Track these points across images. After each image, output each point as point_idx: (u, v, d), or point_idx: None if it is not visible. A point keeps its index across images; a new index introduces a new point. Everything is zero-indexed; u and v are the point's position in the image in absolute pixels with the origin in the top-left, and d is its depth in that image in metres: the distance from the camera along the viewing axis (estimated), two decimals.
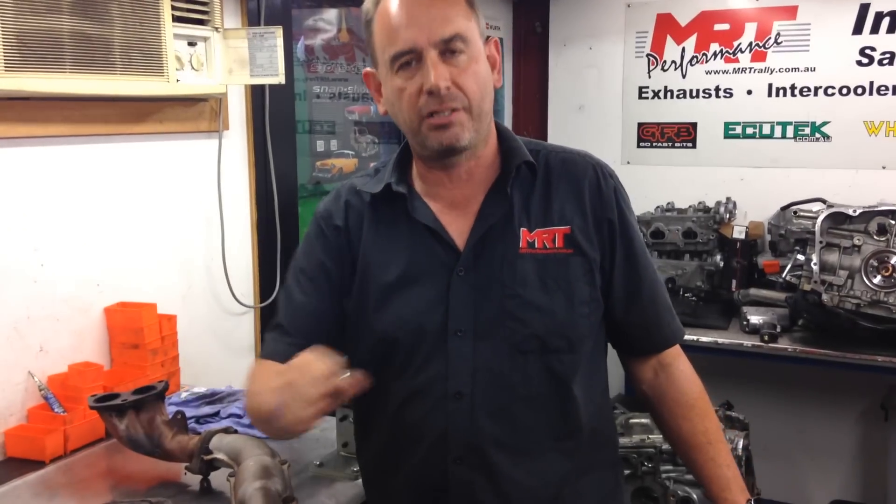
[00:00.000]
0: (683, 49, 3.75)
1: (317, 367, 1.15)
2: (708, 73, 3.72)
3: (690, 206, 3.66)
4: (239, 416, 2.09)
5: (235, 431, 1.74)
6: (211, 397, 2.21)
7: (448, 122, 1.31)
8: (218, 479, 1.67)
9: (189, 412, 2.05)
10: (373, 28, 1.36)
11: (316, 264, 1.47)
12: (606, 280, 1.44)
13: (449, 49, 1.30)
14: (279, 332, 1.45)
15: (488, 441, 1.37)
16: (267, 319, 2.80)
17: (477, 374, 1.37)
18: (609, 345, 1.55)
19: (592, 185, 1.44)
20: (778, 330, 3.08)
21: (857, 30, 3.44)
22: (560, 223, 1.41)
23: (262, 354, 1.45)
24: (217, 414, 2.11)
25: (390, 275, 1.40)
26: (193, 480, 1.72)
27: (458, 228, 1.41)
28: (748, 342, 3.08)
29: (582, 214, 1.42)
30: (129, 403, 1.75)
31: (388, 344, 1.39)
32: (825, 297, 2.90)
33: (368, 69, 1.44)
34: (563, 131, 4.02)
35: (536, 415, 1.40)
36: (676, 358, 1.54)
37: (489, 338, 1.37)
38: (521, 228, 1.40)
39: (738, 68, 3.67)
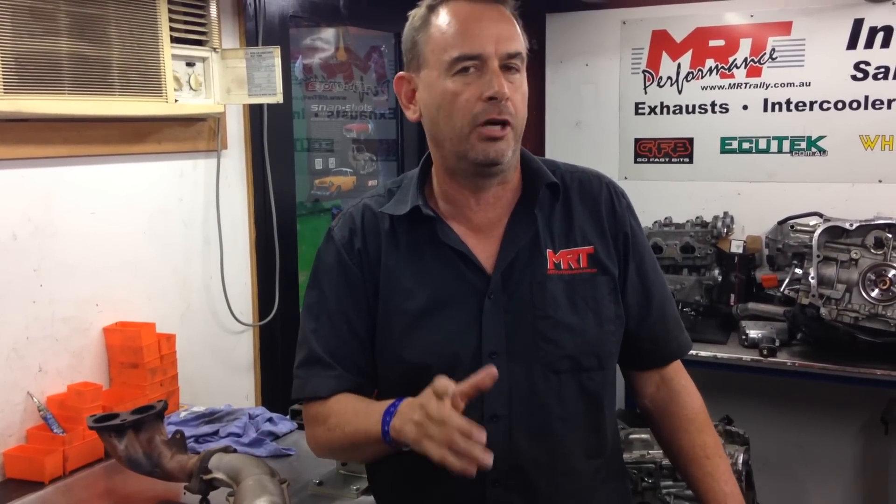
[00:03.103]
0: (679, 65, 3.77)
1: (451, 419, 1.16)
2: (704, 88, 3.74)
3: (688, 221, 3.66)
4: (238, 436, 2.09)
5: (234, 450, 1.73)
6: (210, 416, 2.20)
7: (501, 136, 1.33)
8: (217, 498, 1.66)
9: (188, 431, 2.05)
10: (428, 31, 1.36)
11: (343, 292, 1.44)
12: (621, 295, 1.46)
13: (508, 65, 1.34)
14: (318, 366, 1.42)
15: (527, 461, 1.38)
16: (266, 338, 2.80)
17: (513, 395, 1.37)
18: None
19: (608, 204, 1.47)
20: (777, 344, 3.08)
21: (852, 45, 3.45)
22: (583, 244, 1.43)
23: (310, 393, 1.43)
24: (216, 433, 2.11)
25: (418, 301, 1.39)
26: (193, 500, 1.71)
27: (484, 251, 1.41)
28: (747, 356, 3.08)
29: (601, 234, 1.44)
30: (129, 423, 1.74)
31: (420, 370, 1.35)
32: (823, 310, 2.90)
33: (403, 73, 1.43)
34: (561, 147, 4.03)
35: (572, 433, 1.41)
36: (678, 373, 1.56)
37: (523, 359, 1.38)
38: (547, 250, 1.41)
39: (734, 84, 3.68)
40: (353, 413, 1.36)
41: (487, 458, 1.13)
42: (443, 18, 1.35)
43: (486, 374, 1.17)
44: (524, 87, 1.37)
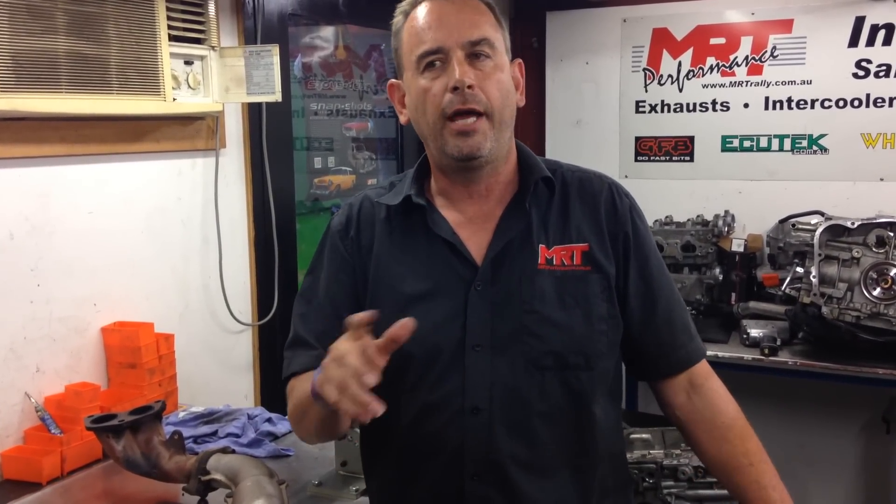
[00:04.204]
0: (680, 63, 3.76)
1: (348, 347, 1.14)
2: (704, 86, 3.73)
3: (689, 220, 3.65)
4: (237, 436, 2.08)
5: (233, 451, 1.72)
6: (209, 417, 2.19)
7: (472, 129, 1.32)
8: (216, 499, 1.65)
9: (187, 432, 2.04)
10: (402, 35, 1.40)
11: (332, 278, 1.46)
12: (621, 298, 1.43)
13: (475, 53, 1.34)
14: (301, 346, 1.44)
15: (506, 457, 1.36)
16: (265, 337, 2.79)
17: (494, 389, 1.35)
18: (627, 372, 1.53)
19: (608, 203, 1.45)
20: (778, 343, 3.07)
21: (853, 42, 3.45)
22: (578, 240, 1.41)
23: (289, 371, 1.45)
24: (215, 433, 2.10)
25: (407, 288, 1.40)
26: (191, 501, 1.70)
27: (476, 243, 1.40)
28: (748, 356, 3.07)
29: (599, 232, 1.42)
30: (126, 424, 1.74)
31: (403, 359, 1.33)
32: (825, 309, 2.89)
33: (393, 80, 1.46)
34: (561, 146, 4.02)
35: (554, 432, 1.38)
36: (708, 378, 1.51)
37: (506, 353, 1.36)
38: (540, 245, 1.40)
39: (735, 82, 3.67)
40: (307, 380, 1.34)
41: (376, 407, 1.11)
42: (410, 21, 1.38)
43: (402, 325, 1.15)
44: (498, 74, 1.36)
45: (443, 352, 1.36)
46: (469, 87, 1.31)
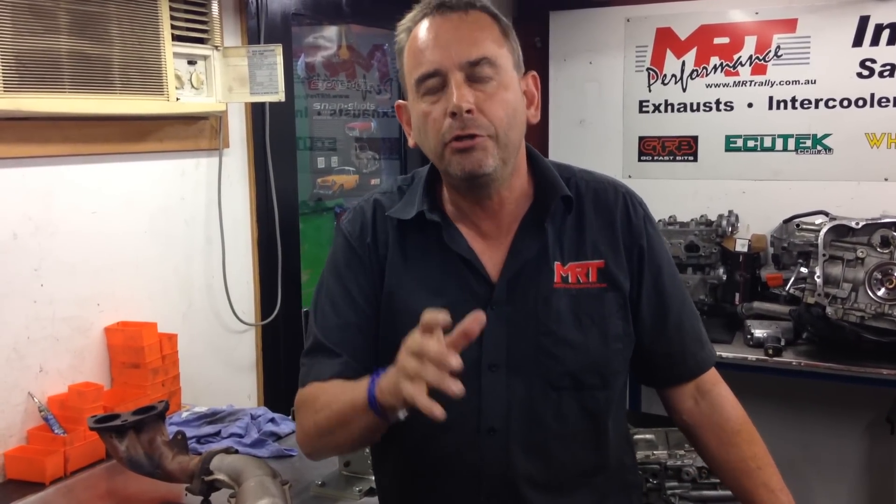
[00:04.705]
0: (683, 63, 3.75)
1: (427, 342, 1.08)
2: (708, 86, 3.72)
3: (692, 220, 3.64)
4: (240, 436, 2.08)
5: (236, 451, 1.72)
6: (212, 417, 2.19)
7: (471, 145, 1.27)
8: (219, 499, 1.65)
9: (190, 432, 2.04)
10: (404, 56, 1.35)
11: (352, 282, 1.41)
12: (634, 309, 1.42)
13: (476, 74, 1.28)
14: (323, 353, 1.39)
15: (522, 477, 1.35)
16: (269, 337, 2.79)
17: (511, 409, 1.34)
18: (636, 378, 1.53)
19: (623, 215, 1.42)
20: (782, 343, 3.06)
21: (857, 42, 3.44)
22: (594, 257, 1.38)
23: (312, 377, 1.39)
24: (218, 434, 2.10)
25: (420, 305, 1.36)
26: (194, 501, 1.69)
27: (490, 259, 1.38)
28: (752, 356, 3.06)
29: (614, 247, 1.40)
30: (130, 424, 1.73)
31: None
32: (829, 310, 2.88)
33: (400, 101, 1.42)
34: (565, 146, 4.01)
35: (570, 451, 1.38)
36: (716, 384, 1.51)
37: (523, 373, 1.35)
38: (555, 262, 1.37)
39: (739, 81, 3.66)
40: (342, 390, 1.29)
41: (455, 388, 1.04)
42: (411, 41, 1.33)
43: (474, 319, 1.08)
44: (502, 94, 1.29)
45: (457, 371, 1.35)
46: (468, 111, 1.25)
